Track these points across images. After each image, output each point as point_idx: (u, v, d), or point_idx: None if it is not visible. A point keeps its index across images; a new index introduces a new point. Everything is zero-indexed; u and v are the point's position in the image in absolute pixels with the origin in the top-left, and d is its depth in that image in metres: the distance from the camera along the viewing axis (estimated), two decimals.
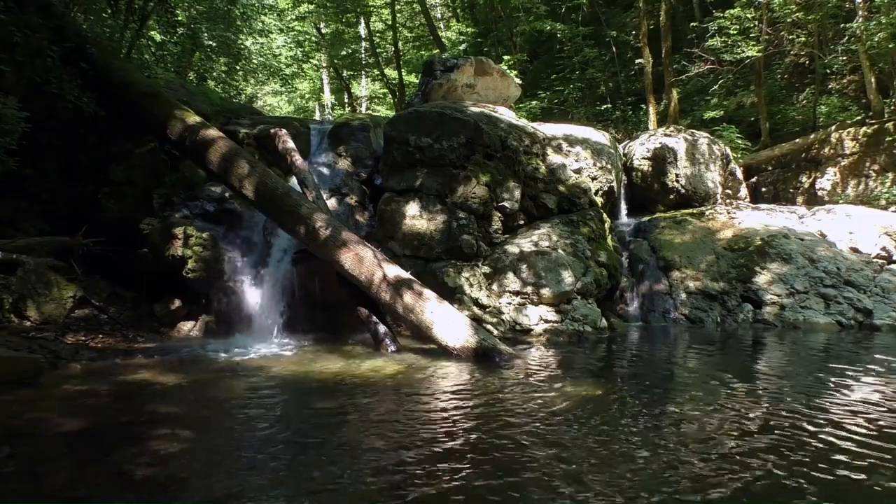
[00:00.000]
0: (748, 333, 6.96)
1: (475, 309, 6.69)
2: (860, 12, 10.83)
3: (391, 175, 7.60)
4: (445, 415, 3.59)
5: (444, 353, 5.32)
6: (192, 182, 7.65)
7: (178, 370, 4.77)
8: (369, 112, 20.95)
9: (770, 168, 12.03)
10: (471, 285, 6.83)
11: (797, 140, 11.59)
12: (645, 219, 9.47)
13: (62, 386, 4.23)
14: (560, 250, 7.08)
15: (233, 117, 8.91)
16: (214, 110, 8.70)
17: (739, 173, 11.12)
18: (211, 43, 13.48)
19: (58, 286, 6.13)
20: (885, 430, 3.16)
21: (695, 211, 9.42)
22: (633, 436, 3.14)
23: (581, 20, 15.96)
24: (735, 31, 12.19)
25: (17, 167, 5.94)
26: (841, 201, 10.31)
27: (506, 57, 15.83)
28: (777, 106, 13.15)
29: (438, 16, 23.14)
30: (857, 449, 2.88)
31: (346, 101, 23.47)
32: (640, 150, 10.35)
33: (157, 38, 12.45)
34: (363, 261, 5.77)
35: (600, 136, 9.30)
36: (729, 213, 9.15)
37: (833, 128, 11.09)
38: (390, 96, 21.07)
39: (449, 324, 5.34)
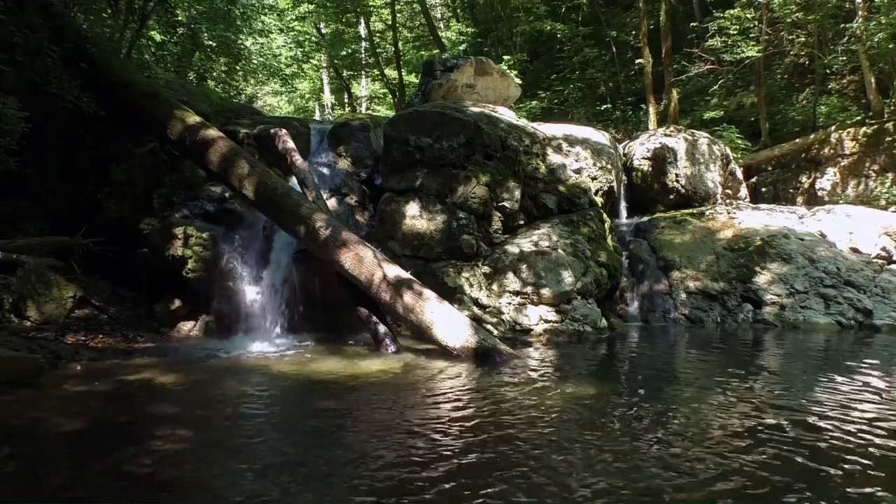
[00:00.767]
0: (748, 333, 6.96)
1: (475, 309, 6.68)
2: (860, 12, 10.83)
3: (391, 175, 7.60)
4: (445, 415, 3.59)
5: (444, 353, 5.32)
6: (192, 182, 7.65)
7: (178, 370, 4.76)
8: (369, 112, 20.95)
9: (770, 168, 12.03)
10: (471, 285, 6.83)
11: (797, 140, 11.59)
12: (645, 219, 9.47)
13: (62, 386, 4.23)
14: (560, 250, 7.08)
15: (233, 117, 8.91)
16: (214, 110, 8.70)
17: (739, 173, 11.13)
18: (211, 43, 13.47)
19: (58, 286, 6.13)
20: (886, 431, 3.16)
21: (695, 211, 9.42)
22: (634, 435, 3.13)
23: (581, 20, 15.96)
24: (735, 31, 12.20)
25: (17, 167, 5.94)
26: (841, 201, 10.31)
27: (506, 57, 15.83)
28: (777, 106, 13.16)
29: (438, 16, 23.15)
30: (857, 449, 2.88)
31: (346, 101, 23.48)
32: (640, 150, 10.35)
33: (157, 38, 12.44)
34: (363, 261, 5.77)
35: (600, 136, 9.30)
36: (729, 213, 9.15)
37: (833, 128, 11.09)
38: (390, 96, 21.07)
39: (449, 324, 5.34)
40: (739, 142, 12.36)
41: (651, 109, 13.79)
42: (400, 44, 19.93)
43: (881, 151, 10.36)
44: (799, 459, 2.75)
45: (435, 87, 9.67)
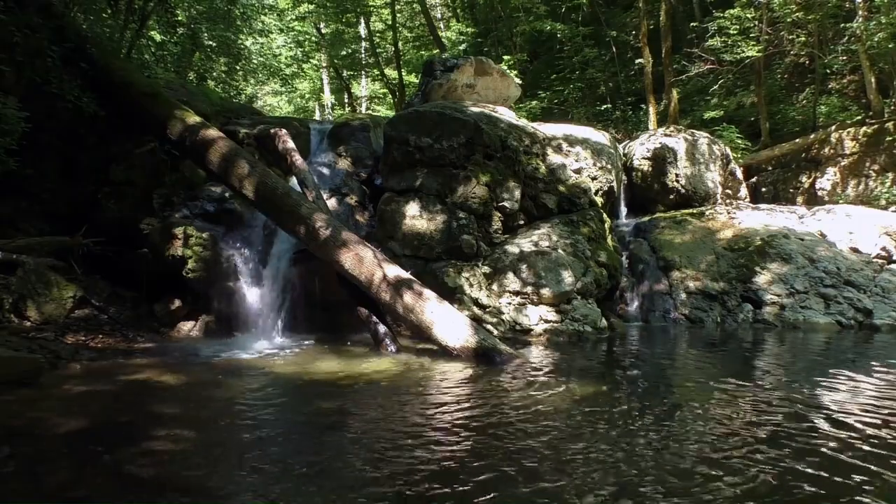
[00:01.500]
0: (748, 333, 6.96)
1: (475, 309, 6.68)
2: (860, 12, 10.83)
3: (391, 175, 7.60)
4: (445, 415, 3.59)
5: (444, 353, 5.32)
6: (192, 182, 7.65)
7: (178, 370, 4.76)
8: (369, 112, 20.95)
9: (770, 168, 12.03)
10: (471, 285, 6.83)
11: (797, 140, 11.59)
12: (645, 219, 9.47)
13: (62, 386, 4.23)
14: (560, 250, 7.08)
15: (233, 117, 8.91)
16: (214, 110, 8.69)
17: (739, 173, 11.13)
18: (211, 43, 13.48)
19: (58, 286, 6.12)
20: (886, 431, 3.16)
21: (695, 211, 9.42)
22: (634, 435, 3.13)
23: (581, 20, 15.96)
24: (735, 31, 12.20)
25: (17, 167, 5.93)
26: (841, 201, 10.31)
27: (506, 57, 15.82)
28: (777, 106, 13.16)
29: (438, 16, 23.14)
30: (857, 449, 2.88)
31: (346, 101, 23.47)
32: (640, 150, 10.35)
33: (157, 38, 12.44)
34: (363, 261, 5.76)
35: (600, 136, 9.30)
36: (729, 213, 9.15)
37: (833, 128, 11.09)
38: (390, 96, 21.07)
39: (449, 324, 5.34)
40: (739, 142, 12.37)
41: (651, 109, 13.79)
42: (400, 44, 19.93)
43: (881, 151, 10.36)
44: (799, 459, 2.75)
45: (435, 87, 9.67)
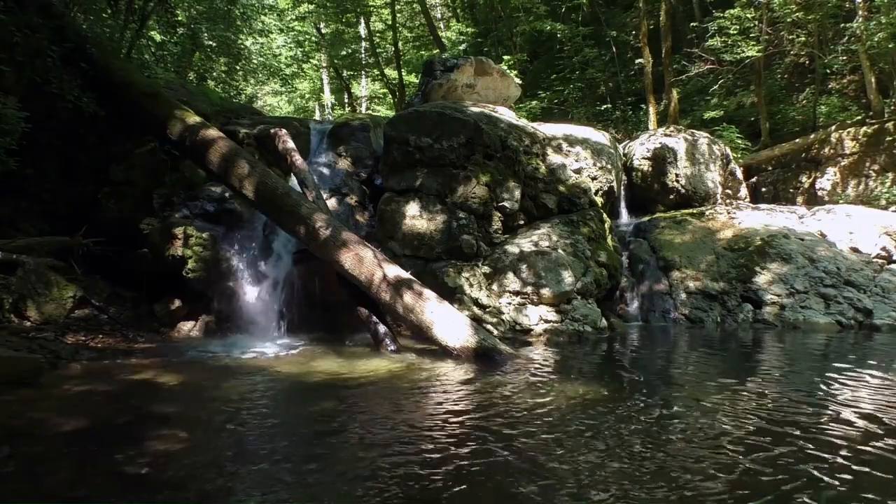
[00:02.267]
0: (748, 333, 6.96)
1: (475, 309, 6.68)
2: (860, 12, 10.84)
3: (391, 175, 7.60)
4: (446, 415, 3.59)
5: (444, 353, 5.32)
6: (192, 182, 7.64)
7: (177, 370, 4.76)
8: (369, 112, 20.95)
9: (770, 168, 12.03)
10: (471, 285, 6.83)
11: (797, 140, 11.59)
12: (645, 219, 9.47)
13: (62, 386, 4.23)
14: (560, 250, 7.08)
15: (233, 117, 8.90)
16: (214, 110, 8.69)
17: (739, 173, 11.13)
18: (211, 43, 13.48)
19: (58, 286, 6.13)
20: (886, 431, 3.16)
21: (695, 211, 9.42)
22: (634, 435, 3.13)
23: (581, 20, 15.96)
24: (735, 31, 12.20)
25: (17, 167, 5.93)
26: (841, 201, 10.31)
27: (506, 57, 15.83)
28: (777, 106, 13.16)
29: (438, 16, 23.14)
30: (857, 449, 2.88)
31: (346, 101, 23.47)
32: (640, 150, 10.35)
33: (157, 38, 12.45)
34: (363, 261, 5.76)
35: (600, 136, 9.30)
36: (729, 213, 9.15)
37: (833, 128, 11.09)
38: (390, 96, 21.07)
39: (449, 324, 5.34)
40: (739, 142, 12.37)
41: (651, 109, 13.79)
42: (400, 44, 19.93)
43: (881, 151, 10.36)
44: (800, 459, 2.75)
45: (435, 87, 9.67)
